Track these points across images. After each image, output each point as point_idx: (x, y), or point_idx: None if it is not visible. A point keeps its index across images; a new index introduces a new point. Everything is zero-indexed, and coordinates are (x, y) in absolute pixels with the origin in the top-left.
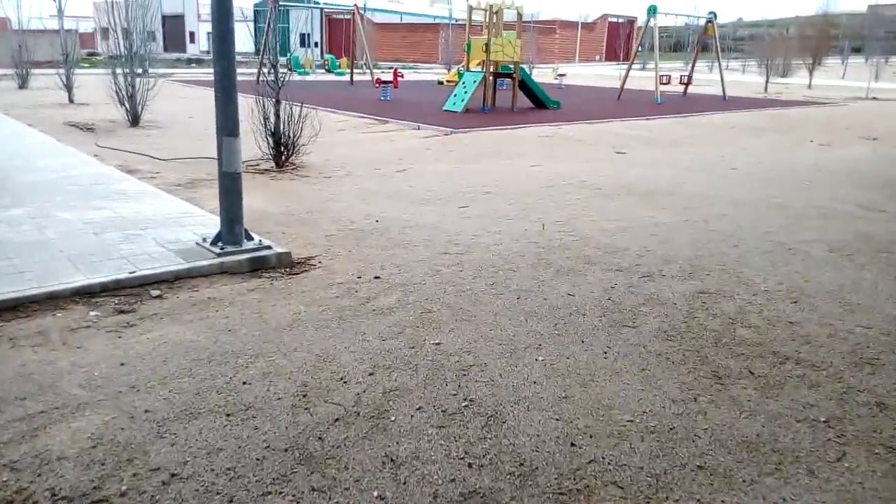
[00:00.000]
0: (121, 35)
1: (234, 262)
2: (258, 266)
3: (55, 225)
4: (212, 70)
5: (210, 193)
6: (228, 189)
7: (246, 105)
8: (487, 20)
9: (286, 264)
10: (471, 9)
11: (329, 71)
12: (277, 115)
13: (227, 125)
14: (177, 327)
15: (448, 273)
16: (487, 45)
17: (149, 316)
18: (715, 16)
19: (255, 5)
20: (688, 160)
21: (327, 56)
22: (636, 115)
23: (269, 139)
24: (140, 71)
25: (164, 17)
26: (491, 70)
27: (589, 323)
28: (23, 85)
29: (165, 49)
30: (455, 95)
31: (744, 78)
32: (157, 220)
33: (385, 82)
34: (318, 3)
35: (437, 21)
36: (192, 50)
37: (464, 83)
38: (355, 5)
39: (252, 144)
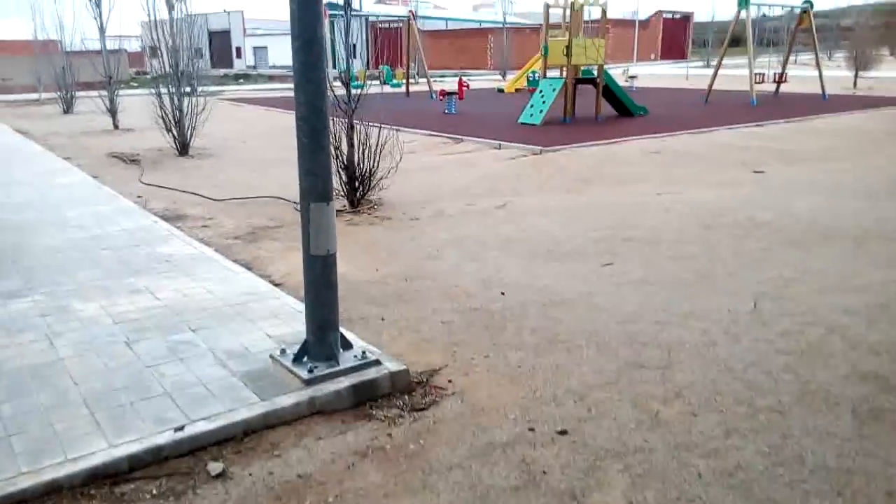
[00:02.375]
0: (166, 52)
1: (330, 396)
2: (364, 397)
3: (72, 328)
4: (260, 87)
5: (277, 250)
6: (317, 280)
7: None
8: (568, 19)
9: (403, 389)
10: (547, 7)
11: (385, 83)
12: (351, 144)
13: (317, 185)
14: None
15: (673, 419)
16: (569, 47)
17: None
18: (811, 5)
19: None
20: (852, 180)
21: (382, 67)
22: (740, 121)
23: (341, 173)
24: (188, 90)
25: (210, 34)
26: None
27: None
28: (67, 109)
29: (213, 66)
30: (531, 106)
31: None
32: (213, 309)
33: (449, 93)
34: (358, 10)
35: (484, 26)
36: (238, 65)
37: (541, 92)
38: (411, 11)
39: None
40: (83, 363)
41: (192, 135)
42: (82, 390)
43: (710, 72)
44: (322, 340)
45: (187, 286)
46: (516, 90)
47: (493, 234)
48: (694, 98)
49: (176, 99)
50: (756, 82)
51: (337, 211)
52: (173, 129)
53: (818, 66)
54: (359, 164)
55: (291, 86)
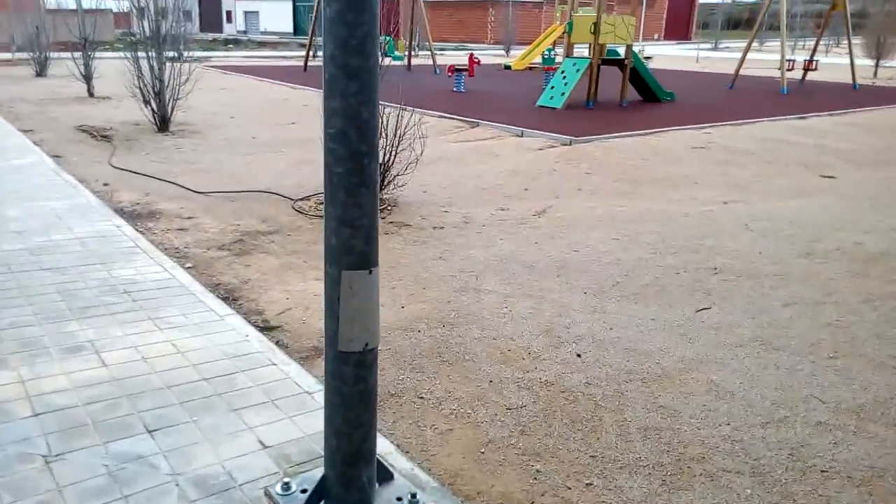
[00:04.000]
0: (148, 11)
1: None
2: None
3: None
4: (251, 53)
5: (271, 268)
6: (347, 391)
7: (295, 101)
8: None
9: None
10: None
11: (386, 55)
12: None
13: (354, 243)
14: None
15: None
16: (597, 24)
17: None
18: None
19: None
20: None
21: (384, 37)
22: (778, 113)
23: None
24: (172, 54)
25: None
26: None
27: None
28: (40, 72)
29: (201, 30)
30: (551, 87)
31: (836, 60)
32: (183, 386)
33: (459, 70)
34: None
35: None
36: (228, 30)
37: (563, 73)
38: None
39: (319, 169)
40: None
41: (173, 108)
42: None
43: (719, 55)
44: (350, 480)
45: (149, 340)
46: (529, 68)
47: (540, 253)
48: (714, 82)
49: (156, 67)
50: (783, 69)
51: None
52: (152, 101)
53: (851, 53)
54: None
55: (284, 53)
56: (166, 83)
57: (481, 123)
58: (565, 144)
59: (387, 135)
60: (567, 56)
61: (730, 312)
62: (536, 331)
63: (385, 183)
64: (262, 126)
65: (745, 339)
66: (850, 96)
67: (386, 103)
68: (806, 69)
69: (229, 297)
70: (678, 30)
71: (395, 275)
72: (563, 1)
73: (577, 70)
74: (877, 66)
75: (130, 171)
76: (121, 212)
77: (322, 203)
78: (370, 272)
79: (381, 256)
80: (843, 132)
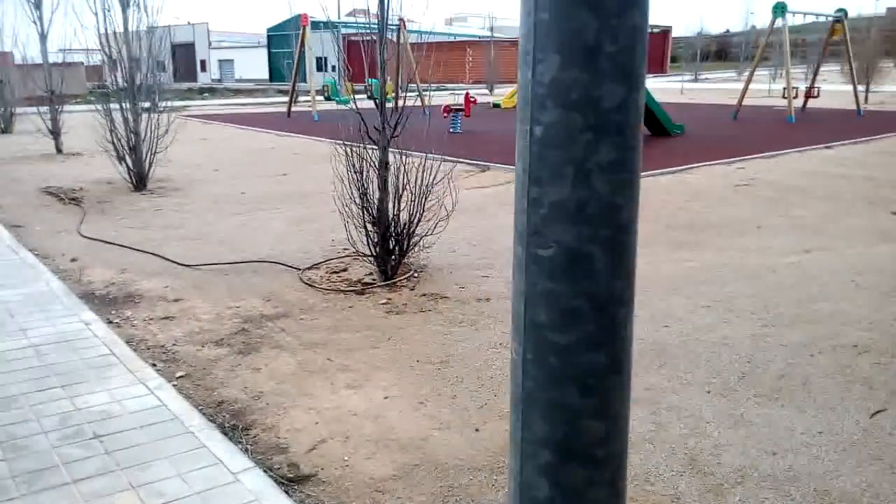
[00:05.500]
0: (121, 62)
1: None
2: None
3: None
4: (228, 102)
5: (288, 373)
6: None
7: (283, 149)
8: None
9: None
10: None
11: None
12: (384, 187)
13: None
14: None
15: None
16: None
17: None
18: (845, 14)
19: (269, 29)
20: None
21: (371, 81)
22: (801, 144)
23: (370, 229)
24: (147, 105)
25: (173, 46)
26: None
27: None
28: (5, 129)
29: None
30: None
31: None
32: None
33: (455, 110)
34: (331, 21)
35: (459, 38)
36: (203, 79)
37: None
38: (401, 19)
39: (326, 229)
40: None
41: (151, 163)
42: None
43: (701, 86)
44: None
45: None
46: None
47: None
48: (712, 113)
49: (131, 119)
50: (790, 97)
51: (364, 288)
52: (127, 156)
53: (853, 80)
54: (395, 214)
55: (262, 100)
56: (142, 136)
57: (491, 167)
58: None
59: (409, 189)
60: None
61: None
62: (674, 463)
63: (412, 245)
64: (251, 179)
65: None
66: (859, 123)
67: (407, 150)
68: (808, 96)
69: (239, 427)
70: (655, 63)
71: (450, 375)
72: None
73: None
74: (867, 91)
75: (103, 242)
76: (91, 298)
77: (336, 272)
78: None
79: (422, 346)
80: (882, 162)
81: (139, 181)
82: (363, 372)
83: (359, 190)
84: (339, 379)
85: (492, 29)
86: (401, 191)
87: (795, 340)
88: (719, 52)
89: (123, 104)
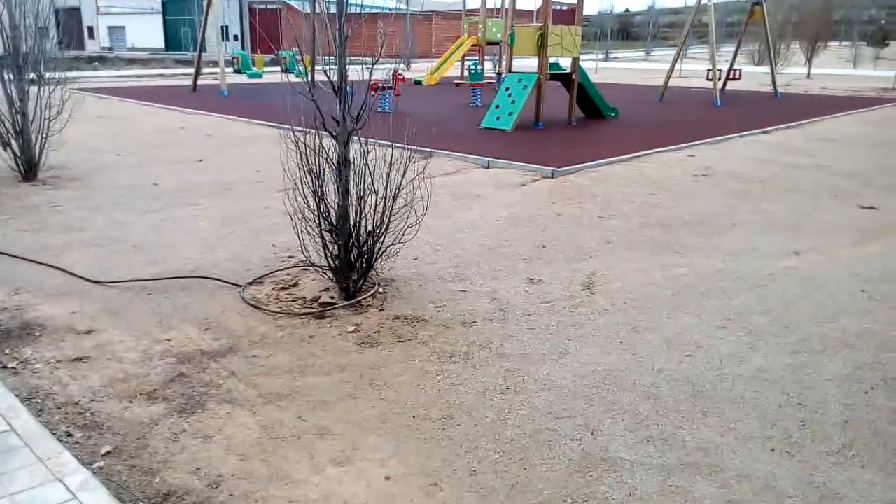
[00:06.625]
0: (7, 28)
1: None
2: None
3: None
4: (124, 73)
5: (253, 443)
6: None
7: (195, 129)
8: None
9: None
10: None
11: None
12: (345, 191)
13: None
14: None
15: None
16: (543, 35)
17: None
18: None
19: None
20: None
21: (283, 53)
22: (738, 129)
23: (326, 238)
24: (33, 76)
25: (56, 11)
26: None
27: None
28: None
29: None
30: (496, 107)
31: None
32: None
33: (384, 88)
34: None
35: (373, 10)
36: (91, 47)
37: (508, 91)
38: None
39: (261, 230)
40: None
41: (43, 148)
42: None
43: (613, 65)
44: None
45: None
46: (456, 84)
47: (644, 365)
48: (637, 95)
49: (17, 98)
50: (716, 79)
51: (324, 310)
52: (13, 141)
53: (771, 62)
54: (356, 223)
55: (162, 71)
56: (30, 116)
57: (435, 152)
58: (547, 177)
59: (375, 191)
60: (510, 71)
61: None
62: None
63: (378, 256)
64: (161, 167)
65: None
66: (782, 105)
67: (378, 139)
68: (728, 78)
69: None
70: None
71: (459, 438)
72: (470, 13)
73: (524, 87)
74: (773, 73)
75: None
76: None
77: (284, 288)
78: None
79: (416, 392)
80: (823, 149)
81: (29, 169)
82: (348, 437)
83: (314, 194)
84: (320, 449)
85: (407, 1)
86: (366, 193)
87: (838, 372)
88: (621, 31)
89: (6, 77)
